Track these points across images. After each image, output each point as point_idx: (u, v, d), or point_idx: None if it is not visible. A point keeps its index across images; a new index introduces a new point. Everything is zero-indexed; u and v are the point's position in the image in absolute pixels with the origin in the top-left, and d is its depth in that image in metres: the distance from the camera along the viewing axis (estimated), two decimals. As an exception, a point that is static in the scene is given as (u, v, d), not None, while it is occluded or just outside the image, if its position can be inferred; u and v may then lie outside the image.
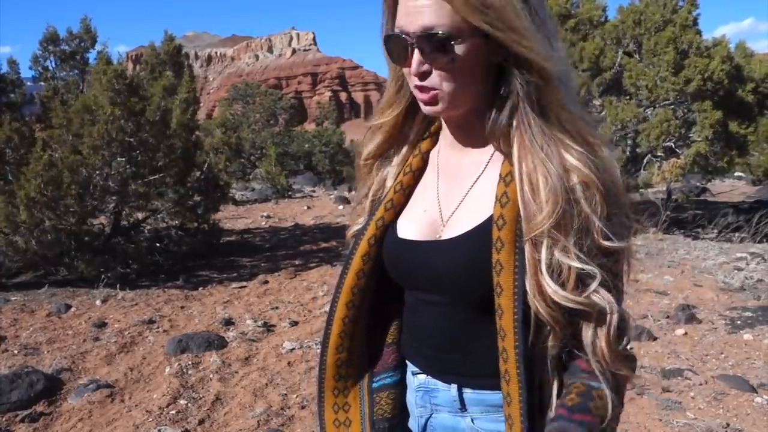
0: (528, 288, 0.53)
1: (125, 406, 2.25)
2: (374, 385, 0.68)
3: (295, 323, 3.31)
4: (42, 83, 5.43)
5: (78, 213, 4.12)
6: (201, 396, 2.34)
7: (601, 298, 0.53)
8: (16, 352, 2.81)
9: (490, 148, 0.61)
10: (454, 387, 0.63)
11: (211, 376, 2.53)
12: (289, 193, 10.00)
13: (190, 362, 2.67)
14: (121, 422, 2.11)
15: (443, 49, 0.53)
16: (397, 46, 0.56)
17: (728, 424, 2.03)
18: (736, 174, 13.82)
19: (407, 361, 0.68)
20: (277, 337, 3.09)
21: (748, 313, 3.30)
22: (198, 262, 5.03)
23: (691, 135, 6.07)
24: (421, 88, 0.56)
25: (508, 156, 0.57)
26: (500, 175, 0.57)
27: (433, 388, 0.64)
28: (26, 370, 2.40)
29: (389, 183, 0.66)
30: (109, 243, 4.61)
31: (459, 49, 0.53)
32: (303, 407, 2.22)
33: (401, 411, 0.69)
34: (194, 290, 4.22)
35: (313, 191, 10.93)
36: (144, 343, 3.00)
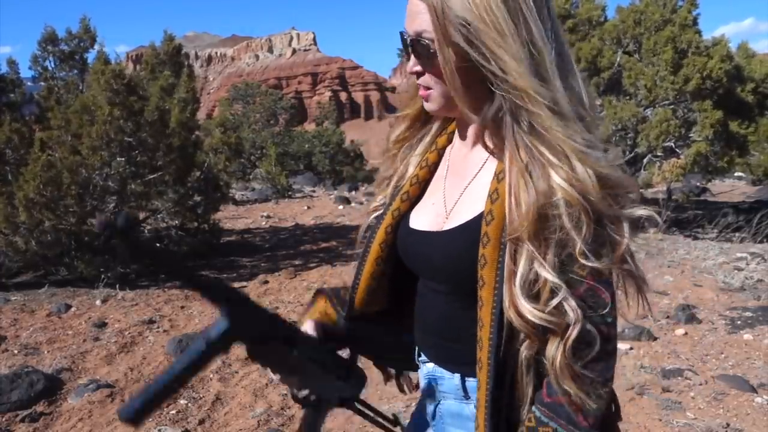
0: (504, 296, 0.55)
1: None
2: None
3: (295, 323, 3.31)
4: (41, 83, 5.43)
5: (78, 213, 4.12)
6: (201, 396, 2.34)
7: (572, 309, 0.52)
8: (16, 351, 2.81)
9: (489, 146, 0.64)
10: (457, 376, 0.66)
11: (211, 376, 2.53)
12: (289, 193, 10.00)
13: (190, 362, 2.67)
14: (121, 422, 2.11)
15: (428, 54, 0.57)
16: (404, 44, 0.61)
17: (728, 424, 2.03)
18: (736, 174, 13.82)
19: (418, 350, 0.72)
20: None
21: (748, 313, 3.30)
22: (198, 262, 5.03)
23: (691, 135, 6.07)
24: (420, 86, 0.61)
25: (501, 158, 0.59)
26: (494, 171, 0.59)
27: (440, 377, 0.67)
28: (26, 370, 2.40)
29: (409, 172, 0.70)
30: (109, 243, 4.61)
31: (441, 56, 0.56)
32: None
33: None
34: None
35: (313, 191, 10.93)
36: (144, 343, 3.00)
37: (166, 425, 2.07)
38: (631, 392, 2.28)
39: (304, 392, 0.63)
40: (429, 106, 0.62)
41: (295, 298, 3.93)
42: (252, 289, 4.24)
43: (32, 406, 2.20)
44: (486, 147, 0.62)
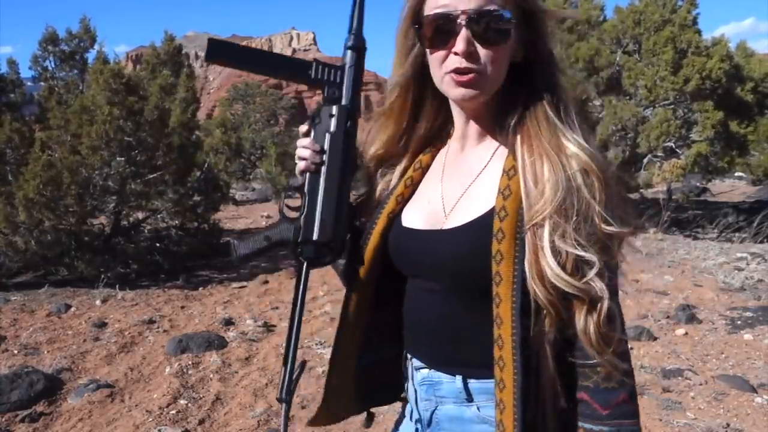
0: (527, 272, 0.54)
1: (125, 406, 2.24)
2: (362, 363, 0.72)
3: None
4: (42, 83, 5.43)
5: (78, 213, 4.12)
6: (201, 396, 2.34)
7: (596, 284, 0.54)
8: (16, 352, 2.81)
9: (494, 144, 0.63)
10: (459, 378, 0.63)
11: (211, 376, 2.53)
12: (290, 193, 9.98)
13: (190, 362, 2.67)
14: (121, 422, 2.11)
15: (500, 29, 0.55)
16: (441, 27, 0.56)
17: (728, 424, 2.03)
18: (736, 174, 13.82)
19: (410, 357, 0.69)
20: (277, 337, 3.08)
21: (749, 313, 3.30)
22: (198, 262, 5.03)
23: (691, 135, 6.07)
24: (463, 70, 0.57)
25: (512, 149, 0.59)
26: (503, 169, 0.59)
27: (437, 381, 0.65)
28: (26, 370, 2.39)
29: (394, 182, 0.69)
30: (109, 243, 4.61)
31: (511, 31, 0.56)
32: (303, 407, 2.22)
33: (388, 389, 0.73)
34: (194, 290, 4.22)
35: (313, 191, 10.89)
36: (144, 343, 3.00)
37: (166, 425, 2.07)
38: (631, 392, 2.28)
39: None
40: (470, 92, 0.57)
41: (295, 298, 3.92)
42: (252, 288, 4.24)
43: (32, 406, 2.20)
44: (494, 139, 0.62)
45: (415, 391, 0.69)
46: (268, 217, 7.79)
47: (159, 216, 5.10)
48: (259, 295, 4.05)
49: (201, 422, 2.11)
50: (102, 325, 3.30)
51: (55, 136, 4.20)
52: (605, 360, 0.55)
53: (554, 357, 0.56)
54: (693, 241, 5.96)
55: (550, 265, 0.53)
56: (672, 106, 6.00)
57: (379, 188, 0.70)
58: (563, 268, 0.53)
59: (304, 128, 0.65)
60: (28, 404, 2.20)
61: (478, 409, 0.63)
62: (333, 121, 0.61)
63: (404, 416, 0.74)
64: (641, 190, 6.81)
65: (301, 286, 0.61)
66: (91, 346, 2.92)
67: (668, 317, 3.26)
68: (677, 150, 6.09)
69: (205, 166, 5.15)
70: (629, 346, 0.59)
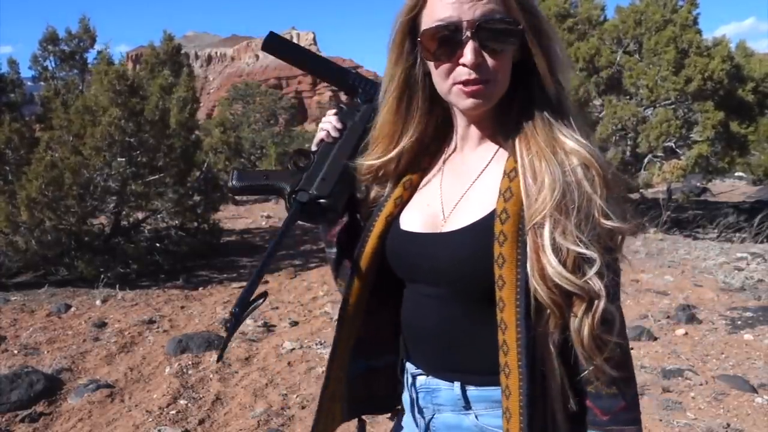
0: (529, 272, 0.53)
1: (125, 406, 2.24)
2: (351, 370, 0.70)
3: (295, 323, 3.31)
4: (42, 83, 5.43)
5: (78, 213, 4.12)
6: (201, 396, 2.34)
7: (595, 283, 0.53)
8: (16, 352, 2.81)
9: (493, 147, 0.62)
10: (457, 385, 0.62)
11: (211, 376, 2.53)
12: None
13: (190, 362, 2.67)
14: (121, 422, 2.11)
15: (506, 36, 0.55)
16: (445, 39, 0.55)
17: (729, 425, 2.02)
18: (736, 174, 13.81)
19: (407, 364, 0.68)
20: (277, 337, 3.08)
21: (749, 314, 3.30)
22: (198, 262, 5.03)
23: (691, 135, 6.06)
24: (472, 82, 0.56)
25: (512, 150, 0.58)
26: (504, 171, 0.58)
27: (435, 388, 0.64)
28: (26, 370, 2.39)
29: (391, 185, 0.68)
30: (109, 243, 4.61)
31: (516, 38, 0.56)
32: (303, 407, 2.22)
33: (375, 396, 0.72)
34: (194, 290, 4.22)
35: (313, 191, 10.91)
36: (144, 343, 3.00)
37: (166, 425, 2.07)
38: (631, 392, 2.28)
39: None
40: (478, 102, 0.57)
41: (295, 297, 3.92)
42: (252, 289, 4.23)
43: (32, 407, 2.20)
44: (494, 142, 0.62)
45: (412, 398, 0.67)
46: (269, 217, 7.80)
47: (159, 216, 5.10)
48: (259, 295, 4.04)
49: (201, 422, 2.11)
50: (102, 325, 3.30)
51: (57, 136, 4.20)
52: (597, 365, 0.54)
53: (562, 361, 0.55)
54: (693, 241, 5.96)
55: (551, 263, 0.52)
56: (673, 107, 5.99)
57: (373, 192, 0.69)
58: (564, 265, 0.52)
59: (332, 110, 0.69)
60: (28, 404, 2.20)
61: (476, 417, 0.62)
62: (358, 114, 0.67)
63: (401, 427, 0.72)
64: (641, 191, 6.80)
65: (287, 223, 0.60)
66: (91, 346, 2.92)
67: (668, 317, 3.26)
68: (678, 150, 6.09)
69: (205, 166, 5.15)
70: (630, 351, 0.57)
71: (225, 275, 4.69)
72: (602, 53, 6.21)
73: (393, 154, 0.65)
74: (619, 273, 0.56)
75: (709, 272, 4.34)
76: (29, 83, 5.60)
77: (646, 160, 6.28)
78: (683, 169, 5.85)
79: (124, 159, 4.28)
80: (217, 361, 0.55)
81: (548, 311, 0.54)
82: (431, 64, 0.59)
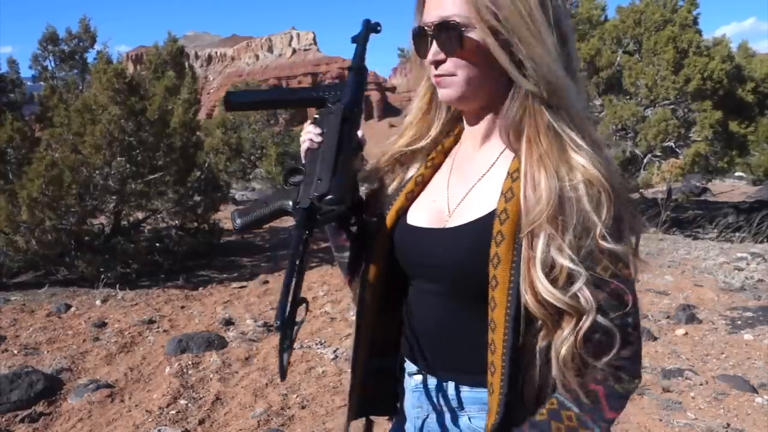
0: (521, 282, 0.54)
1: (125, 406, 2.24)
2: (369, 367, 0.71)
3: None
4: (42, 83, 5.43)
5: (78, 213, 4.12)
6: (201, 396, 2.33)
7: (585, 299, 0.52)
8: (16, 351, 2.81)
9: (501, 146, 0.62)
10: (451, 385, 0.63)
11: (211, 376, 2.53)
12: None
13: (190, 362, 2.67)
14: (121, 422, 2.10)
15: (454, 36, 0.57)
16: (419, 40, 0.60)
17: (729, 425, 2.02)
18: (736, 174, 13.81)
19: (406, 363, 0.69)
20: (277, 337, 3.08)
21: (749, 313, 3.30)
22: (198, 262, 5.03)
23: (690, 135, 6.06)
24: (437, 75, 0.60)
25: (516, 152, 0.58)
26: (508, 171, 0.58)
27: (431, 388, 0.65)
28: (26, 370, 2.39)
29: (410, 174, 0.69)
30: (109, 243, 4.61)
31: (469, 38, 0.57)
32: (303, 407, 2.22)
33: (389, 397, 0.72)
34: (194, 290, 4.22)
35: (313, 191, 10.89)
36: (144, 343, 3.00)
37: (166, 425, 2.07)
38: (631, 392, 2.28)
39: None
40: (448, 93, 0.60)
41: (295, 298, 3.92)
42: (252, 289, 4.24)
43: (32, 407, 2.19)
44: (500, 141, 0.62)
45: (408, 398, 0.68)
46: (268, 217, 7.77)
47: (159, 216, 5.09)
48: (259, 295, 4.05)
49: (201, 422, 2.11)
50: (102, 325, 3.30)
51: (57, 134, 4.20)
52: (567, 385, 0.53)
53: (543, 361, 0.56)
54: (693, 241, 5.96)
55: (539, 278, 0.52)
56: (672, 106, 5.99)
57: (391, 185, 0.70)
58: (554, 281, 0.52)
59: (308, 123, 0.69)
60: (27, 404, 2.20)
61: (469, 419, 0.62)
62: (331, 115, 0.67)
63: (399, 428, 0.72)
64: (641, 190, 6.80)
65: (298, 238, 0.57)
66: (91, 346, 2.92)
67: (668, 317, 3.26)
68: (677, 150, 6.08)
69: (206, 166, 5.15)
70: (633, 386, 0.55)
71: (225, 275, 4.69)
72: (603, 54, 6.21)
73: (423, 143, 0.68)
74: (624, 296, 0.54)
75: (709, 272, 4.34)
76: (29, 83, 5.60)
77: (645, 160, 6.28)
78: (682, 168, 5.85)
79: (123, 158, 4.28)
80: (282, 379, 0.52)
81: (539, 322, 0.54)
82: (420, 62, 0.64)
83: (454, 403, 0.63)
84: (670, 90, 5.83)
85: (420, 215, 0.65)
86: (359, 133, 0.67)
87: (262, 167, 11.03)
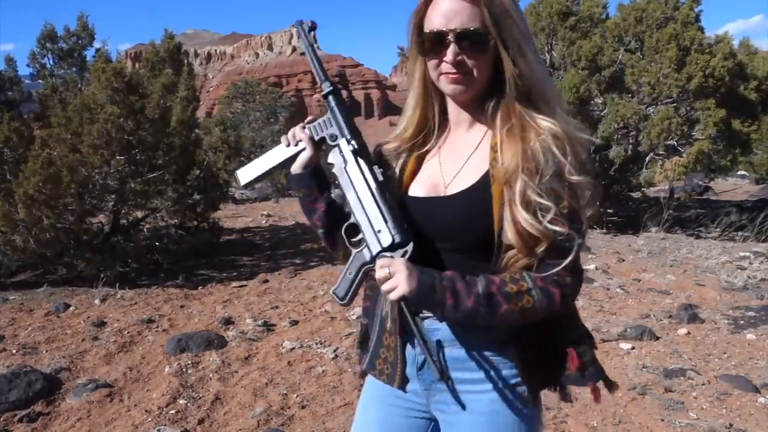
0: (505, 221, 0.71)
1: (124, 406, 2.23)
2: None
3: (295, 322, 3.29)
4: (40, 81, 5.41)
5: (77, 211, 4.10)
6: (201, 396, 2.32)
7: (553, 226, 0.69)
8: (14, 351, 2.80)
9: (482, 128, 0.80)
10: (444, 325, 0.78)
11: (210, 375, 2.52)
12: (290, 191, 9.99)
13: (189, 362, 2.65)
14: (120, 422, 2.09)
15: (479, 43, 0.73)
16: (435, 41, 0.74)
17: (731, 425, 2.01)
18: (739, 172, 13.77)
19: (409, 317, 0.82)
20: (277, 336, 3.07)
21: (752, 313, 3.29)
22: (198, 261, 5.02)
23: (693, 133, 6.03)
24: (452, 73, 0.75)
25: (495, 130, 0.76)
26: (491, 145, 0.76)
27: (435, 329, 0.78)
28: (25, 369, 2.38)
29: (404, 160, 0.84)
30: (108, 242, 4.60)
31: (488, 46, 0.74)
32: (303, 407, 2.21)
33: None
34: (194, 289, 4.21)
35: (314, 190, 10.86)
36: (143, 342, 2.99)
37: (165, 425, 2.05)
38: (633, 392, 2.27)
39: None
40: (459, 87, 0.75)
41: (296, 297, 3.91)
42: (252, 288, 4.23)
43: (30, 406, 2.18)
44: (482, 125, 0.79)
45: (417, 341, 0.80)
46: (269, 215, 7.78)
47: (158, 215, 5.08)
48: (259, 294, 4.03)
49: (200, 422, 2.09)
50: (101, 324, 3.29)
51: (56, 134, 4.18)
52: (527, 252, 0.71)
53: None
54: (695, 240, 5.94)
55: (520, 212, 0.69)
56: (674, 104, 5.96)
57: (398, 167, 0.84)
58: (532, 214, 0.69)
59: (300, 127, 0.85)
60: (26, 404, 2.19)
61: (467, 351, 0.78)
62: (342, 155, 0.79)
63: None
64: (643, 189, 6.77)
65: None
66: (90, 345, 2.91)
67: (670, 317, 3.24)
68: (680, 148, 6.05)
69: (205, 164, 5.13)
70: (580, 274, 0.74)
71: (225, 274, 4.67)
72: (604, 52, 6.18)
73: (417, 130, 0.83)
74: (581, 221, 0.72)
75: (711, 271, 4.33)
76: (27, 81, 5.58)
77: (647, 159, 6.25)
78: (685, 167, 5.82)
79: (123, 157, 4.26)
80: (445, 380, 0.73)
81: (515, 249, 0.71)
82: (426, 58, 0.78)
83: (454, 340, 0.77)
84: (673, 88, 5.79)
85: (418, 188, 0.81)
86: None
87: (262, 166, 10.96)
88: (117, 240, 4.61)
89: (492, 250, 0.72)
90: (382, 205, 0.74)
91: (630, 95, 6.18)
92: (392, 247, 0.73)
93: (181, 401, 2.25)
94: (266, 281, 4.38)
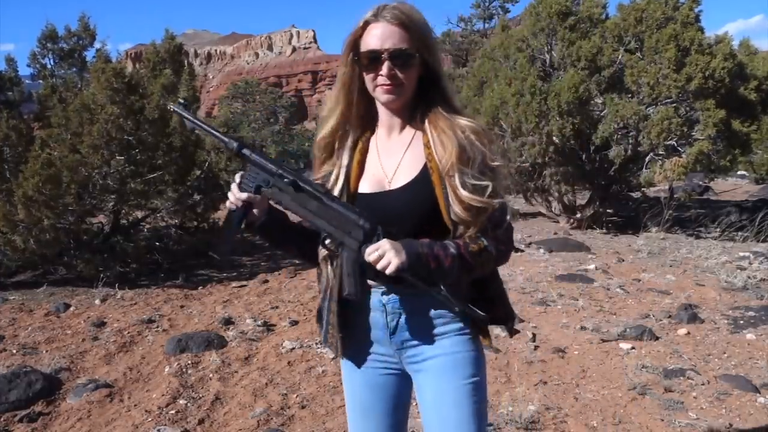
0: (450, 200, 0.89)
1: (124, 406, 2.23)
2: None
3: (295, 322, 3.29)
4: (40, 81, 5.41)
5: (77, 212, 4.11)
6: (201, 396, 2.32)
7: (491, 198, 0.89)
8: (14, 351, 2.80)
9: (412, 131, 0.96)
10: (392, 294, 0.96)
11: (210, 375, 2.52)
12: None
13: (189, 362, 2.65)
14: (120, 422, 2.09)
15: (409, 60, 0.91)
16: (371, 59, 0.90)
17: (731, 425, 2.01)
18: (739, 173, 13.77)
19: (374, 288, 0.96)
20: (277, 336, 3.07)
21: (751, 313, 3.29)
22: (198, 261, 5.02)
23: (693, 134, 6.02)
24: (387, 85, 0.91)
25: (424, 131, 0.94)
26: (423, 144, 0.94)
27: (399, 297, 0.95)
28: (25, 369, 2.38)
29: (345, 162, 0.98)
30: (108, 242, 4.60)
31: (415, 63, 0.92)
32: (303, 407, 2.21)
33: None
34: (194, 289, 4.21)
35: (314, 190, 10.88)
36: (143, 342, 2.99)
37: (165, 425, 2.05)
38: (633, 392, 2.27)
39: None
40: (393, 97, 0.92)
41: (295, 297, 3.91)
42: (252, 288, 4.23)
43: (30, 406, 2.19)
44: (411, 128, 0.96)
45: (382, 308, 0.97)
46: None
47: (158, 215, 5.08)
48: (258, 294, 4.03)
49: (200, 422, 2.09)
50: (101, 324, 3.29)
51: (55, 134, 4.18)
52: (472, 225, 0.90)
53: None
54: (695, 240, 5.94)
55: (462, 193, 0.87)
56: (674, 105, 5.95)
57: (325, 169, 0.99)
58: (472, 192, 0.88)
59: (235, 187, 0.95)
60: (26, 404, 2.19)
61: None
62: (283, 192, 0.91)
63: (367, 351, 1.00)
64: (643, 189, 6.77)
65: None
66: (90, 345, 2.91)
67: (670, 317, 3.24)
68: (679, 149, 6.05)
69: (206, 165, 5.13)
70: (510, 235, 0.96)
71: (225, 274, 4.67)
72: (604, 52, 6.17)
73: (338, 126, 0.97)
74: (503, 195, 0.92)
75: (711, 271, 4.33)
76: (27, 81, 5.58)
77: (647, 159, 6.24)
78: (685, 167, 5.81)
79: (123, 157, 4.26)
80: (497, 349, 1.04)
81: (462, 226, 0.89)
82: (364, 72, 0.93)
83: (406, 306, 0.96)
84: (672, 88, 5.79)
85: (364, 185, 0.96)
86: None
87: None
88: (117, 240, 4.61)
89: (429, 231, 0.90)
90: (340, 209, 0.87)
91: (630, 95, 6.17)
92: (368, 237, 0.86)
93: (181, 401, 2.25)
94: (266, 281, 4.39)
